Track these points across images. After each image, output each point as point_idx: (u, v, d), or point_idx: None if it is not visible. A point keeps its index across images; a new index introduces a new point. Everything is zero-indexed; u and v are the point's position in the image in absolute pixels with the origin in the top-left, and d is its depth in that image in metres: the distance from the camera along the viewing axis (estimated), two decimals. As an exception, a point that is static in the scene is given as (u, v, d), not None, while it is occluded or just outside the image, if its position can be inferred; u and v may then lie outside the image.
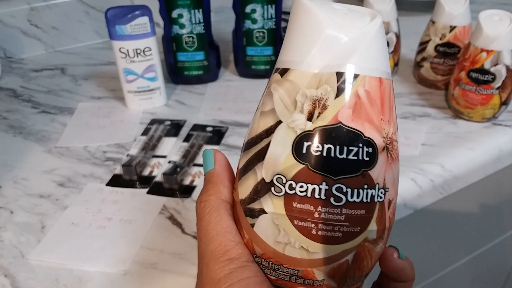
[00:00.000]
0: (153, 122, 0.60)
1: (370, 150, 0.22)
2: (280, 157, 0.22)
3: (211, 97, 0.66)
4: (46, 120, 0.62)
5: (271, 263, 0.24)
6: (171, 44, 0.66)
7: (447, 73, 0.63)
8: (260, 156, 0.23)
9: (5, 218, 0.45)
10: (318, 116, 0.22)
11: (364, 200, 0.22)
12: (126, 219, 0.44)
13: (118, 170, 0.51)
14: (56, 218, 0.45)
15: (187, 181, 0.49)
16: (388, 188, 0.23)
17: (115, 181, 0.49)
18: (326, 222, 0.22)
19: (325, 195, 0.22)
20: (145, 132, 0.57)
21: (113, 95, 0.68)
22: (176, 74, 0.69)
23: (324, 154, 0.22)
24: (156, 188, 0.48)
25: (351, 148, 0.22)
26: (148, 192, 0.48)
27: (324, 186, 0.22)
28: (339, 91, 0.22)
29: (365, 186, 0.22)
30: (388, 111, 0.23)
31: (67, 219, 0.44)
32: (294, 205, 0.22)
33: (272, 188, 0.23)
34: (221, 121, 0.60)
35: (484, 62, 0.53)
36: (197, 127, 0.58)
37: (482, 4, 0.97)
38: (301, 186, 0.22)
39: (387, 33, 0.64)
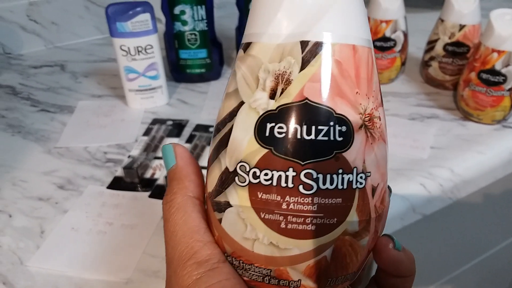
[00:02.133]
0: (154, 122, 0.58)
1: (344, 128, 0.19)
2: (242, 142, 0.20)
3: (214, 96, 0.65)
4: (45, 119, 0.61)
5: (242, 263, 0.21)
6: (173, 41, 0.65)
7: (456, 73, 0.62)
8: (223, 143, 0.21)
9: (3, 222, 0.44)
10: (281, 93, 0.19)
11: (340, 187, 0.19)
12: (127, 224, 0.43)
13: (119, 172, 0.50)
14: (55, 222, 0.43)
15: (190, 184, 0.47)
16: (369, 172, 0.20)
17: (116, 184, 0.48)
18: (296, 214, 0.19)
19: (292, 183, 0.19)
20: (146, 133, 0.56)
21: (113, 93, 0.66)
22: (178, 72, 0.67)
23: (289, 136, 0.19)
24: (158, 192, 0.47)
25: (320, 127, 0.19)
26: (150, 196, 0.46)
27: (291, 173, 0.19)
28: (304, 63, 0.19)
29: (340, 171, 0.19)
30: (366, 84, 0.20)
31: (67, 223, 0.43)
32: (260, 196, 0.20)
33: (236, 178, 0.20)
34: (224, 121, 0.59)
35: (495, 63, 0.52)
36: (200, 128, 0.57)
37: (489, 1, 0.95)
38: (266, 174, 0.19)
39: (394, 32, 0.62)
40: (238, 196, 0.20)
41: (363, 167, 0.20)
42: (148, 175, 0.49)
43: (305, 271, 0.20)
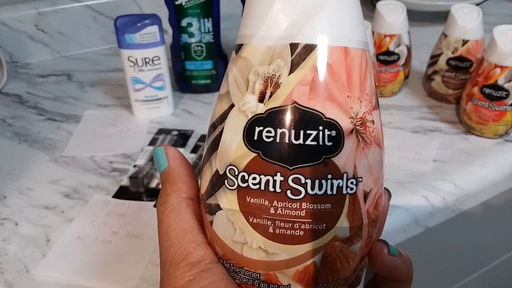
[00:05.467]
0: (160, 132, 0.59)
1: (333, 133, 0.19)
2: (232, 145, 0.20)
3: (219, 107, 0.65)
4: (52, 128, 0.61)
5: (232, 265, 0.21)
6: (179, 53, 0.66)
7: (459, 87, 0.62)
8: (215, 145, 0.21)
9: (9, 230, 0.44)
10: (270, 97, 0.19)
11: (329, 192, 0.19)
12: (133, 234, 0.43)
13: (125, 181, 0.50)
14: (61, 231, 0.44)
15: (195, 195, 0.48)
16: (361, 178, 0.20)
17: (122, 193, 0.48)
18: (283, 219, 0.19)
19: (280, 188, 0.19)
20: (152, 142, 0.57)
21: (119, 103, 0.67)
22: (183, 83, 0.68)
23: (277, 140, 0.19)
24: (163, 202, 0.47)
25: (308, 132, 0.19)
26: (155, 205, 0.47)
27: (278, 177, 0.19)
28: (294, 66, 0.19)
29: (329, 176, 0.19)
30: (358, 87, 0.20)
31: (72, 232, 0.44)
32: (248, 200, 0.19)
33: (226, 181, 0.20)
34: (229, 132, 0.59)
35: (498, 78, 0.53)
36: (204, 138, 0.57)
37: (490, 15, 0.96)
38: (254, 178, 0.19)
39: (398, 46, 0.63)
40: (227, 200, 0.20)
41: (354, 172, 0.20)
42: (153, 184, 0.50)
43: (294, 276, 0.20)
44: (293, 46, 0.19)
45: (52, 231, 0.44)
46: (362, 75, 0.20)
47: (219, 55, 0.67)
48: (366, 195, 0.20)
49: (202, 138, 0.57)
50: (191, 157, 0.53)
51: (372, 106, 0.21)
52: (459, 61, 0.61)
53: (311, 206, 0.19)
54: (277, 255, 0.20)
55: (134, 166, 0.52)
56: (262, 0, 0.20)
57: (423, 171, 0.51)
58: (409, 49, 0.65)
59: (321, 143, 0.19)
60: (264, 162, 0.19)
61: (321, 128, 0.19)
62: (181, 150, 0.55)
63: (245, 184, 0.20)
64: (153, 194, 0.48)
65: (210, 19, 0.63)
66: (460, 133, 0.58)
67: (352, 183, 0.20)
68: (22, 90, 0.72)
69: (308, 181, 0.19)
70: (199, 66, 0.66)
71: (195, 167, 0.51)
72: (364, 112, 0.20)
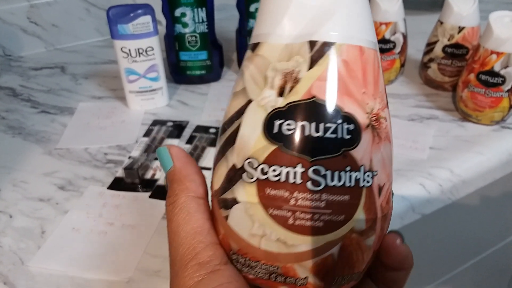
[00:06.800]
0: (155, 123, 0.59)
1: (351, 127, 0.20)
2: (250, 139, 0.20)
3: (214, 98, 0.65)
4: (46, 121, 0.61)
5: (248, 260, 0.21)
6: (173, 43, 0.65)
7: (455, 74, 0.62)
8: (230, 141, 0.21)
9: (4, 223, 0.44)
10: (290, 91, 0.20)
11: (347, 184, 0.20)
12: (128, 224, 0.43)
13: (120, 173, 0.50)
14: (56, 223, 0.44)
15: (190, 185, 0.48)
16: (376, 171, 0.21)
17: (117, 185, 0.48)
18: (304, 210, 0.19)
19: (301, 179, 0.19)
20: (147, 134, 0.56)
21: (114, 94, 0.66)
22: (178, 74, 0.68)
23: (298, 132, 0.19)
24: (158, 192, 0.47)
25: (328, 125, 0.19)
26: (150, 196, 0.46)
27: (299, 169, 0.19)
28: (313, 62, 0.20)
29: (348, 168, 0.20)
30: (373, 84, 0.21)
31: (67, 224, 0.43)
32: (268, 192, 0.20)
33: (244, 174, 0.20)
34: (224, 123, 0.59)
35: (494, 65, 0.52)
36: (200, 129, 0.57)
37: (487, 3, 0.96)
38: (274, 170, 0.20)
39: (394, 34, 0.63)
40: (245, 193, 0.20)
41: (370, 166, 0.20)
42: (148, 175, 0.49)
43: (312, 268, 0.20)
44: (312, 44, 0.20)
45: (47, 223, 0.44)
46: (376, 74, 0.21)
47: (214, 45, 0.67)
48: (380, 189, 0.21)
49: (197, 128, 0.57)
50: (186, 148, 0.53)
51: (384, 104, 0.22)
52: (455, 48, 0.61)
53: (330, 197, 0.19)
54: (296, 246, 0.20)
55: (129, 157, 0.52)
56: (279, 0, 0.21)
57: (420, 158, 0.51)
58: (405, 37, 0.64)
59: (340, 136, 0.20)
60: (284, 154, 0.19)
61: (339, 121, 0.20)
62: (176, 141, 0.55)
63: (265, 176, 0.20)
64: (148, 185, 0.48)
65: (204, 9, 0.62)
66: (457, 120, 0.58)
67: (368, 176, 0.20)
68: (16, 83, 0.71)
69: (328, 172, 0.19)
70: (194, 57, 0.66)
71: (190, 157, 0.51)
72: (378, 109, 0.21)
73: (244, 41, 0.67)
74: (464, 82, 0.56)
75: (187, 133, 0.57)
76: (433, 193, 0.47)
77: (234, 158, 0.21)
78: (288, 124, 0.20)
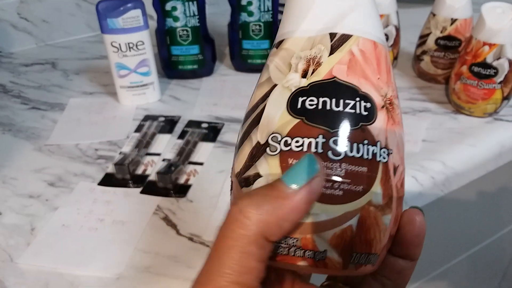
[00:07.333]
0: (146, 118, 0.58)
1: (368, 105, 0.21)
2: (275, 116, 0.22)
3: (206, 92, 0.65)
4: (36, 117, 0.60)
5: None
6: (164, 38, 0.64)
7: (448, 67, 0.62)
8: (255, 122, 0.22)
9: (-7, 220, 0.43)
10: (312, 73, 0.22)
11: (365, 156, 0.21)
12: (119, 221, 0.43)
13: (111, 168, 0.49)
14: (46, 220, 0.43)
15: (182, 180, 0.47)
16: (391, 150, 0.22)
17: (107, 180, 0.48)
18: (324, 179, 0.20)
19: (322, 149, 0.20)
20: (138, 129, 0.56)
21: (105, 90, 0.66)
22: (170, 69, 0.67)
23: (320, 107, 0.21)
24: (149, 188, 0.47)
25: (347, 101, 0.21)
26: (141, 192, 0.46)
27: (320, 139, 0.21)
28: (333, 49, 0.22)
29: (365, 142, 0.21)
30: (386, 74, 0.23)
31: (57, 220, 0.43)
32: (290, 162, 0.21)
33: (267, 149, 0.21)
34: (216, 117, 0.58)
35: (487, 56, 0.52)
36: (192, 124, 0.57)
37: (481, -5, 0.95)
38: (297, 141, 0.21)
39: (386, 26, 0.62)
40: (268, 165, 0.21)
41: (386, 143, 0.22)
42: (139, 171, 0.49)
43: (331, 240, 0.21)
44: (332, 35, 0.22)
45: (37, 219, 0.43)
46: (388, 67, 0.23)
47: (206, 39, 0.66)
48: (395, 169, 0.22)
49: (190, 123, 0.57)
50: (178, 143, 0.53)
51: (396, 94, 0.23)
52: (448, 41, 0.60)
53: (350, 167, 0.20)
54: (316, 215, 0.20)
55: (120, 153, 0.52)
56: (303, 0, 0.23)
57: (412, 151, 0.51)
58: (397, 29, 0.64)
59: (358, 112, 0.21)
60: (307, 126, 0.21)
61: (358, 99, 0.21)
62: (168, 136, 0.55)
63: (288, 148, 0.21)
64: (139, 181, 0.47)
65: (195, 2, 0.62)
66: (449, 113, 0.58)
67: (384, 152, 0.21)
68: (6, 79, 0.70)
69: (348, 143, 0.21)
70: (185, 51, 0.65)
71: (182, 152, 0.50)
72: (391, 95, 0.23)
73: (236, 35, 0.67)
74: (457, 74, 0.56)
75: (179, 128, 0.56)
76: (425, 185, 0.47)
77: (258, 136, 0.22)
78: (310, 100, 0.21)
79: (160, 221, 0.43)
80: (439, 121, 0.56)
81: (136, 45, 0.57)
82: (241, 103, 0.62)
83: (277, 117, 0.21)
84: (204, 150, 0.52)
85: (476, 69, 0.53)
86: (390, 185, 0.22)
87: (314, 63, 0.22)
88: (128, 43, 0.57)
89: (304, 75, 0.22)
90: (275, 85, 0.22)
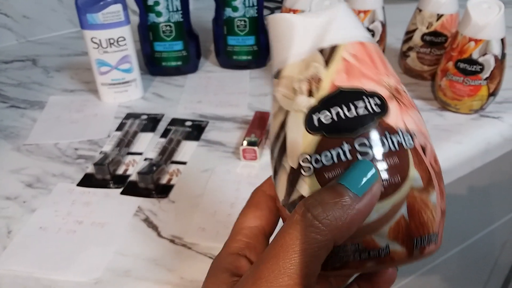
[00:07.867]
0: (128, 116, 0.57)
1: (378, 100, 0.23)
2: (297, 139, 0.23)
3: (191, 89, 0.63)
4: (15, 115, 0.58)
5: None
6: (147, 33, 0.63)
7: (434, 63, 0.61)
8: (282, 150, 0.24)
9: (-33, 223, 0.42)
10: (317, 90, 0.23)
11: (392, 147, 0.22)
12: (98, 223, 0.41)
13: (90, 169, 0.48)
14: (23, 222, 0.42)
15: (164, 180, 0.46)
16: (414, 133, 0.23)
17: (87, 181, 0.46)
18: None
19: (350, 155, 0.22)
20: (119, 128, 0.54)
21: (86, 87, 0.64)
22: (153, 65, 0.66)
23: (335, 118, 0.22)
24: (130, 188, 0.45)
25: (357, 104, 0.22)
26: (122, 193, 0.45)
27: (346, 147, 0.22)
28: (327, 63, 0.23)
29: (387, 134, 0.22)
30: (382, 66, 0.24)
31: (35, 223, 0.42)
32: (326, 176, 0.22)
33: (302, 171, 0.23)
34: (201, 115, 0.57)
35: (472, 52, 0.52)
36: (175, 122, 0.56)
37: (468, -9, 0.95)
38: (326, 155, 0.22)
39: (372, 22, 0.62)
40: (308, 186, 0.22)
41: (406, 129, 0.22)
42: (120, 171, 0.48)
43: (389, 234, 0.22)
44: (322, 51, 0.24)
45: (14, 222, 0.42)
46: (382, 58, 0.24)
47: (190, 35, 0.65)
48: (424, 149, 0.23)
49: (173, 121, 0.55)
50: (161, 142, 0.51)
51: (398, 80, 0.25)
52: (434, 36, 0.60)
53: (381, 163, 0.21)
54: (369, 217, 0.21)
55: (100, 152, 0.50)
56: (284, 31, 0.24)
57: (398, 149, 0.50)
58: (383, 25, 0.63)
59: (370, 110, 0.22)
60: (330, 139, 0.22)
61: (366, 99, 0.22)
62: (151, 134, 0.53)
63: (320, 165, 0.22)
64: (120, 181, 0.46)
65: (177, -3, 0.60)
66: (435, 110, 0.57)
67: (408, 137, 0.22)
68: (-16, 77, 0.68)
69: (371, 141, 0.22)
70: (169, 47, 0.64)
71: (164, 151, 0.49)
72: (394, 83, 0.24)
73: (221, 31, 0.66)
74: (443, 71, 0.55)
75: (162, 126, 0.55)
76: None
77: (289, 161, 0.23)
78: (325, 116, 0.22)
79: (141, 223, 0.42)
80: (425, 118, 0.55)
81: (117, 41, 0.56)
82: (226, 100, 0.60)
83: (299, 139, 0.23)
84: (187, 149, 0.51)
85: (462, 65, 0.53)
86: (425, 166, 0.23)
87: (316, 81, 0.23)
88: (109, 39, 0.55)
89: (310, 94, 0.23)
90: (287, 112, 0.24)
